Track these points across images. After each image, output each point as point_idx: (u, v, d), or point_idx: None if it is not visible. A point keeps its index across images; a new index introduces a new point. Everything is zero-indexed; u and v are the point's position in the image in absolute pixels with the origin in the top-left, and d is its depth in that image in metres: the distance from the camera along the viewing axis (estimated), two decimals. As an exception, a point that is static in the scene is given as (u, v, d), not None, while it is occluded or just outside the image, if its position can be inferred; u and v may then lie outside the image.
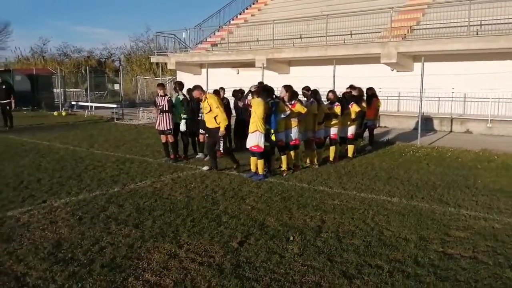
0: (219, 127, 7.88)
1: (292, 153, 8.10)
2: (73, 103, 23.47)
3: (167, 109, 8.95)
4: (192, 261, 4.17)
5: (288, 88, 8.00)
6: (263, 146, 7.43)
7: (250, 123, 7.52)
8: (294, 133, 7.98)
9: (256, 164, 7.62)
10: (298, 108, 7.86)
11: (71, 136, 12.97)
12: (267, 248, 4.50)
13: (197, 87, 8.14)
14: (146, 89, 31.11)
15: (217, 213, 5.69)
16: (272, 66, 18.42)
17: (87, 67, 26.92)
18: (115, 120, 17.85)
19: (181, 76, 23.36)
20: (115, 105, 20.18)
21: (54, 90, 26.43)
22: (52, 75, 26.82)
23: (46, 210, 5.73)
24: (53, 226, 5.11)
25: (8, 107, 15.21)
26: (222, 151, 8.29)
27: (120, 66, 29.88)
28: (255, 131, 7.40)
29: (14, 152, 10.12)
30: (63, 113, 20.87)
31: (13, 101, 15.34)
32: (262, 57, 18.12)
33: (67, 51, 43.61)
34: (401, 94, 15.61)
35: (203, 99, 8.03)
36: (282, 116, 7.71)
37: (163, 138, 9.19)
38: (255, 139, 7.42)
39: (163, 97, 9.04)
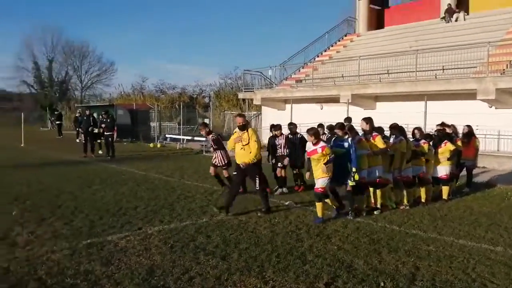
0: (254, 163, 7.55)
1: (378, 192, 7.79)
2: (167, 136, 25.13)
3: (214, 146, 9.73)
4: (278, 299, 4.12)
5: (368, 120, 7.90)
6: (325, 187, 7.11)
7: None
8: (380, 171, 7.70)
9: (321, 207, 7.11)
10: (378, 141, 7.63)
11: (164, 167, 13.84)
12: (355, 292, 4.30)
13: (242, 115, 7.97)
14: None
15: (301, 250, 5.60)
16: (358, 101, 18.17)
17: (180, 103, 28.87)
18: (204, 153, 18.72)
19: (266, 111, 23.99)
20: (204, 139, 21.22)
21: (151, 123, 28.65)
22: (149, 110, 29.16)
23: (141, 236, 6.11)
24: (147, 253, 5.41)
25: (110, 138, 16.76)
26: (257, 188, 7.69)
27: (210, 102, 31.56)
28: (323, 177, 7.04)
29: (115, 180, 11.03)
30: (158, 145, 22.42)
31: (115, 133, 16.92)
32: (347, 92, 17.98)
33: (163, 88, 47.38)
34: (501, 133, 14.36)
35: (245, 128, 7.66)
36: (364, 152, 7.50)
37: (212, 171, 9.78)
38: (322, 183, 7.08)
39: (208, 137, 9.94)
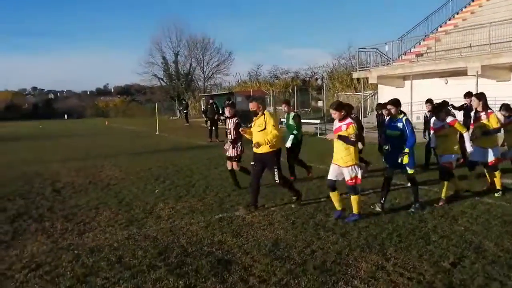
0: (273, 151, 6.66)
1: (497, 174, 7.18)
2: (282, 120, 25.83)
3: (233, 135, 8.12)
4: (400, 275, 4.17)
5: (480, 96, 7.37)
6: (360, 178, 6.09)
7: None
8: (497, 152, 7.23)
9: (357, 202, 6.10)
10: (493, 120, 7.10)
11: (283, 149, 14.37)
12: (484, 273, 4.12)
13: (254, 100, 6.96)
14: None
15: (425, 231, 5.48)
16: (489, 73, 16.42)
17: (294, 87, 29.29)
18: (318, 135, 18.86)
19: (383, 90, 23.03)
20: (318, 121, 21.33)
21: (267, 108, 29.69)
22: (265, 96, 30.20)
23: (265, 212, 6.59)
24: (271, 227, 5.84)
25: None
26: (277, 181, 6.76)
27: (323, 84, 31.39)
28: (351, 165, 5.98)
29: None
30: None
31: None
32: (476, 64, 16.36)
33: (277, 73, 48.40)
34: None
35: (259, 114, 6.72)
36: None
37: (235, 165, 8.32)
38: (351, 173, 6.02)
39: (232, 119, 8.30)
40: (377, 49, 23.61)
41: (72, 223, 6.41)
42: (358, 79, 29.53)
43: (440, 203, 6.62)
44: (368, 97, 27.24)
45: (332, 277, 4.20)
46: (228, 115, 8.46)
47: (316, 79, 46.89)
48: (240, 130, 7.35)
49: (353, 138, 5.82)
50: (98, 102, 76.28)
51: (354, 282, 4.07)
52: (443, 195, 6.73)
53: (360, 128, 8.52)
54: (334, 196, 6.20)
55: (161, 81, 54.32)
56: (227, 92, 32.51)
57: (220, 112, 18.31)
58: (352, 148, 5.89)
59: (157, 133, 23.55)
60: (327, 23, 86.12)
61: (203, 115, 25.45)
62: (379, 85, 23.69)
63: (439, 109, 7.15)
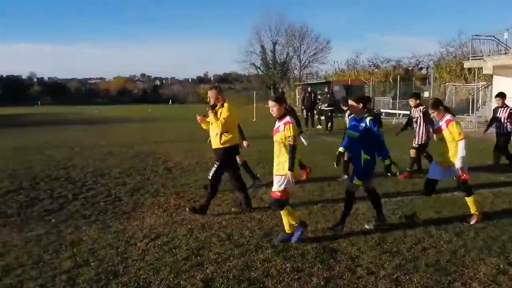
0: (223, 148, 6.00)
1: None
2: (382, 110, 24.81)
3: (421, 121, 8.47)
4: (528, 284, 3.79)
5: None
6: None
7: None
8: None
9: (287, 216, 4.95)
10: None
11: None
12: None
13: (214, 88, 6.22)
14: (454, 96, 29.40)
15: (556, 238, 4.89)
16: None
17: (398, 76, 27.84)
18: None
19: (499, 81, 20.87)
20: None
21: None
22: (364, 85, 29.23)
23: (370, 204, 6.41)
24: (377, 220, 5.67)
25: (330, 113, 17.75)
26: (209, 177, 6.17)
27: (430, 73, 29.39)
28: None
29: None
30: (372, 120, 22.45)
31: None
32: None
33: (377, 62, 46.39)
34: None
35: (218, 106, 6.02)
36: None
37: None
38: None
39: (417, 108, 8.63)
40: (493, 36, 21.37)
41: (184, 199, 6.91)
42: (469, 69, 27.08)
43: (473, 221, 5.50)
44: (480, 89, 24.88)
45: (447, 276, 3.96)
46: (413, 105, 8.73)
47: (421, 68, 43.94)
48: (197, 116, 6.35)
49: (291, 142, 4.75)
50: (199, 89, 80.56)
51: (473, 284, 3.80)
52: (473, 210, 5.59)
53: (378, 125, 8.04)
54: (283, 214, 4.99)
55: (258, 69, 55.52)
56: (325, 81, 32.00)
57: (320, 101, 18.22)
58: (286, 154, 4.78)
59: (254, 120, 24.15)
60: (434, 9, 79.85)
61: (301, 104, 25.56)
62: (494, 76, 21.47)
63: (435, 104, 5.69)
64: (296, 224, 4.93)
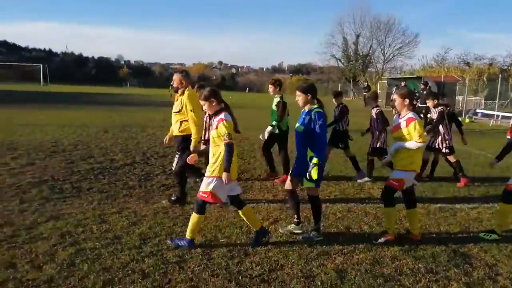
0: (183, 136, 5.59)
1: None
2: (478, 111, 23.11)
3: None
4: None
5: None
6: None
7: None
8: None
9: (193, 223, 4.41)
10: None
11: (483, 143, 12.91)
12: None
13: (177, 72, 5.70)
14: None
15: None
16: None
17: (500, 76, 25.70)
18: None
19: None
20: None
21: (456, 97, 26.90)
22: (456, 82, 27.38)
23: (492, 210, 5.99)
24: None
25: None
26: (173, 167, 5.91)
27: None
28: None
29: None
30: (466, 120, 20.97)
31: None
32: None
33: (468, 59, 43.18)
34: None
35: (179, 93, 5.60)
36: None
37: None
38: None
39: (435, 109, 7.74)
40: None
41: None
42: None
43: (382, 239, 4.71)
44: None
45: None
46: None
47: (518, 67, 40.18)
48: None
49: (226, 140, 4.23)
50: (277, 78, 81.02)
51: None
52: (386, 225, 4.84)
53: (384, 122, 7.28)
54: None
55: (338, 61, 54.35)
56: (415, 76, 30.44)
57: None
58: (221, 155, 4.26)
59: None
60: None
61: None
62: None
63: (409, 96, 4.70)
64: (256, 228, 4.53)
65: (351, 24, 52.16)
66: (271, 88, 7.37)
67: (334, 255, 4.29)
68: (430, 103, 7.85)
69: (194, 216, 4.36)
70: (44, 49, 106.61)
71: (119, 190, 6.41)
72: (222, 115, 4.33)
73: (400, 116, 4.71)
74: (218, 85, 77.34)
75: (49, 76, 55.85)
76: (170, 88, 6.02)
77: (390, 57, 51.76)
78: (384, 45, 51.55)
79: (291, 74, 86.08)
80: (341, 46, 53.05)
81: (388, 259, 4.24)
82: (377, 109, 7.47)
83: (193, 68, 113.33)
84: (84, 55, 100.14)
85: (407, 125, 4.55)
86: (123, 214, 5.28)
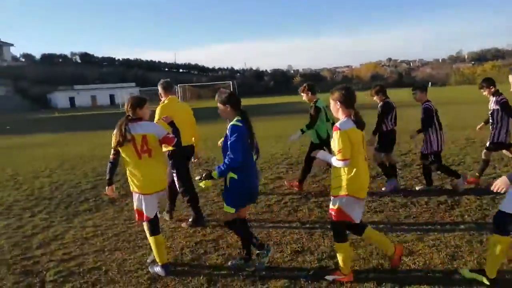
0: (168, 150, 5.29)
1: None
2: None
3: None
4: None
5: None
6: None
7: None
8: None
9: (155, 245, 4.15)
10: None
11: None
12: None
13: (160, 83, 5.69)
14: None
15: None
16: None
17: None
18: None
19: None
20: None
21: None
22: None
23: None
24: None
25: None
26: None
27: None
28: None
29: None
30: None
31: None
32: None
33: None
34: None
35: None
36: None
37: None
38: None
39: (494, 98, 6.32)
40: None
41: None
42: None
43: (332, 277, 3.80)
44: None
45: None
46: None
47: None
48: None
49: (170, 135, 4.11)
50: (463, 69, 72.97)
51: None
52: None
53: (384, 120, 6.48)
54: None
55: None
56: None
57: None
58: (163, 162, 4.29)
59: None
60: None
61: None
62: None
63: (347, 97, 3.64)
64: (160, 263, 4.11)
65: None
66: (304, 96, 6.76)
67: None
68: (486, 92, 6.39)
69: (150, 240, 4.21)
70: (227, 67, 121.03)
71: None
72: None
73: None
74: (394, 82, 73.42)
75: (237, 91, 62.55)
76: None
77: None
78: None
79: (473, 62, 76.03)
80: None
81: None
82: None
83: (362, 68, 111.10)
84: (261, 69, 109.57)
85: None
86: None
